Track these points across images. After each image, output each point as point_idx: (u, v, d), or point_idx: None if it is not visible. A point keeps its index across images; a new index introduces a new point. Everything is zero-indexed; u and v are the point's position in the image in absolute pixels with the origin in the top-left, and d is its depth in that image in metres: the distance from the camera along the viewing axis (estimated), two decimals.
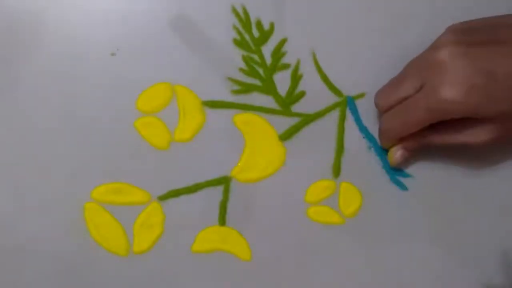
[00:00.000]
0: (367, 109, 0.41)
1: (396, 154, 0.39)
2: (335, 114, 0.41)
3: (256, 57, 0.41)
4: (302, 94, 0.41)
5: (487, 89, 0.35)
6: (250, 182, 0.39)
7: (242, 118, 0.40)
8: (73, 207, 0.38)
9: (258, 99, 0.41)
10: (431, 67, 0.36)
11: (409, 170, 0.40)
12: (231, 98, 0.40)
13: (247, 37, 0.41)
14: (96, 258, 0.38)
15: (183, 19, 0.41)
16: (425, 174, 0.40)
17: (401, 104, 0.37)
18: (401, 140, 0.38)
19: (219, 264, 0.38)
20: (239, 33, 0.41)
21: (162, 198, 0.39)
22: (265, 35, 0.41)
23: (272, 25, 0.41)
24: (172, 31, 0.41)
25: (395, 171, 0.40)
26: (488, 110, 0.35)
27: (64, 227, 0.38)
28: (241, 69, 0.41)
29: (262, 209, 0.39)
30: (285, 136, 0.40)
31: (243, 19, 0.41)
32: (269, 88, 0.41)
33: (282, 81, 0.41)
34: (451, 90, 0.35)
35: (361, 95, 0.41)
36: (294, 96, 0.41)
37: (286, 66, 0.41)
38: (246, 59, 0.41)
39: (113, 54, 0.40)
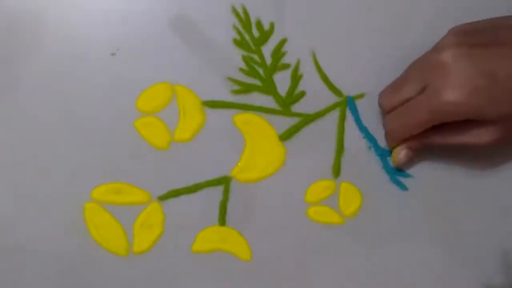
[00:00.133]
0: (367, 109, 0.41)
1: (400, 153, 0.39)
2: (335, 114, 0.41)
3: (256, 57, 0.41)
4: (302, 94, 0.41)
5: (489, 91, 0.35)
6: (250, 182, 0.39)
7: (242, 118, 0.40)
8: (73, 207, 0.38)
9: (258, 99, 0.41)
10: (433, 69, 0.36)
11: (409, 170, 0.40)
12: (231, 98, 0.40)
13: (247, 37, 0.41)
14: (96, 258, 0.38)
15: (183, 19, 0.41)
16: (425, 174, 0.40)
17: (404, 106, 0.38)
18: (405, 140, 0.39)
19: (219, 264, 0.38)
20: (239, 33, 0.41)
21: (162, 198, 0.39)
22: (265, 35, 0.41)
23: (272, 25, 0.41)
24: (172, 31, 0.41)
25: (395, 171, 0.40)
26: (490, 112, 0.35)
27: (64, 227, 0.38)
28: (241, 69, 0.41)
29: (262, 209, 0.39)
30: (285, 136, 0.40)
31: (243, 19, 0.41)
32: (269, 88, 0.41)
33: (282, 81, 0.41)
34: (453, 92, 0.35)
35: (361, 95, 0.41)
36: (294, 96, 0.41)
37: (286, 66, 0.41)
38: (246, 59, 0.41)
39: (113, 54, 0.40)
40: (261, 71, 0.41)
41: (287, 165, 0.40)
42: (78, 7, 0.41)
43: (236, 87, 0.41)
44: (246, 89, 0.41)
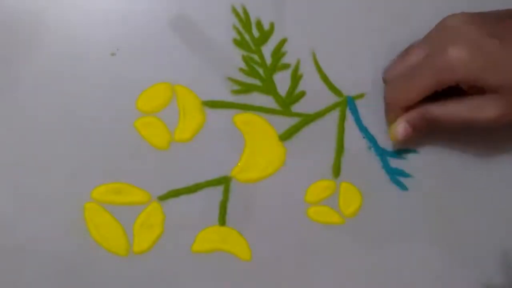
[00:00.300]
0: (367, 109, 0.41)
1: (398, 127, 0.37)
2: (335, 114, 0.41)
3: (256, 57, 0.41)
4: (302, 94, 0.41)
5: (495, 54, 0.34)
6: (250, 182, 0.39)
7: (242, 118, 0.40)
8: (73, 207, 0.38)
9: (258, 99, 0.41)
10: (438, 33, 0.36)
11: (409, 170, 0.40)
12: (231, 98, 0.40)
13: (247, 37, 0.41)
14: (96, 258, 0.38)
15: (183, 19, 0.41)
16: (425, 174, 0.40)
17: (406, 70, 0.37)
18: (405, 111, 0.37)
19: (219, 264, 0.38)
20: (239, 33, 0.41)
21: (162, 198, 0.39)
22: (265, 35, 0.41)
23: (272, 25, 0.41)
24: (172, 31, 0.41)
25: (395, 171, 0.40)
26: (494, 77, 0.34)
27: (64, 227, 0.38)
28: (241, 69, 0.41)
29: (262, 209, 0.39)
30: (285, 136, 0.40)
31: (243, 19, 0.41)
32: (269, 88, 0.41)
33: (282, 81, 0.41)
34: (457, 49, 0.34)
35: (361, 95, 0.41)
36: (294, 96, 0.41)
37: (286, 66, 0.41)
38: (246, 59, 0.41)
39: (113, 54, 0.40)
40: (261, 71, 0.41)
41: (287, 165, 0.40)
42: (78, 7, 0.41)
43: (236, 87, 0.41)
44: (246, 89, 0.41)
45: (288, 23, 0.41)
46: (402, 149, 0.40)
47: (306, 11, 0.42)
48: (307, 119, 0.40)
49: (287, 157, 0.40)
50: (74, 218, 0.38)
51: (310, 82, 0.41)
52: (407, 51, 0.38)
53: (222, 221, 0.39)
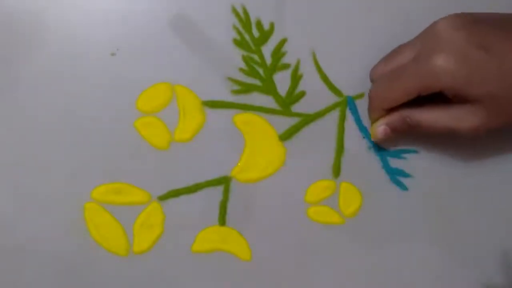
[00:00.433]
0: (367, 109, 0.41)
1: (378, 129, 0.38)
2: (335, 114, 0.41)
3: (256, 57, 0.41)
4: (302, 94, 0.41)
5: (480, 64, 0.34)
6: (250, 182, 0.39)
7: (242, 118, 0.40)
8: (73, 207, 0.38)
9: (258, 99, 0.41)
10: (427, 38, 0.36)
11: (409, 170, 0.40)
12: (231, 98, 0.40)
13: (247, 37, 0.41)
14: (96, 258, 0.38)
15: (183, 19, 0.41)
16: (425, 174, 0.40)
17: (391, 71, 0.37)
18: (387, 112, 0.38)
19: (219, 264, 0.38)
20: (239, 33, 0.41)
21: (162, 198, 0.39)
22: (265, 35, 0.41)
23: (272, 25, 0.41)
24: (172, 31, 0.41)
25: (395, 171, 0.40)
26: (477, 88, 0.34)
27: (64, 227, 0.38)
28: (241, 69, 0.41)
29: (262, 209, 0.39)
30: (285, 136, 0.40)
31: (243, 19, 0.41)
32: (269, 88, 0.41)
33: (282, 81, 0.41)
34: (443, 57, 0.34)
35: (361, 95, 0.41)
36: (294, 96, 0.41)
37: (286, 66, 0.41)
38: (246, 59, 0.41)
39: (113, 54, 0.40)
40: (261, 71, 0.41)
41: (287, 165, 0.40)
42: (78, 7, 0.41)
43: (236, 87, 0.41)
44: (246, 89, 0.41)
45: (288, 23, 0.41)
46: (402, 149, 0.40)
47: (306, 11, 0.42)
48: (307, 119, 0.40)
49: (287, 157, 0.40)
50: (74, 218, 0.38)
51: (310, 82, 0.41)
52: (395, 52, 0.39)
53: (222, 221, 0.39)
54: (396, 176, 0.40)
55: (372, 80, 0.39)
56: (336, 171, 0.40)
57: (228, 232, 0.39)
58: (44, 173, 0.39)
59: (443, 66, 0.34)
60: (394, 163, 0.40)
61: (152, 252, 0.38)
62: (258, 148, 0.40)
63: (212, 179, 0.39)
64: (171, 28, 0.41)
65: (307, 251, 0.39)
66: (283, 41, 0.41)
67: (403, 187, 0.40)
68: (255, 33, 0.41)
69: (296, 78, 0.41)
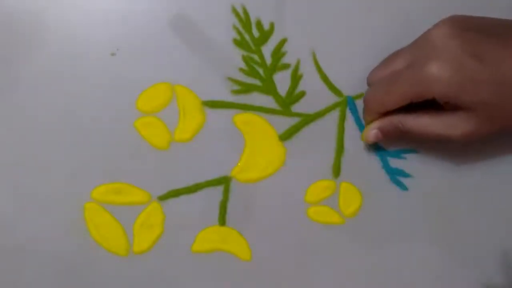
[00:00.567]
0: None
1: (370, 132, 0.39)
2: (335, 114, 0.41)
3: (256, 57, 0.41)
4: (302, 94, 0.41)
5: (473, 73, 0.34)
6: (250, 182, 0.39)
7: (242, 118, 0.40)
8: (73, 207, 0.38)
9: (258, 99, 0.41)
10: (423, 45, 0.36)
11: (409, 170, 0.40)
12: (231, 98, 0.40)
13: (247, 37, 0.41)
14: (96, 258, 0.38)
15: (183, 19, 0.41)
16: (425, 174, 0.40)
17: (387, 76, 0.37)
18: (380, 116, 0.38)
19: (219, 264, 0.38)
20: (239, 33, 0.41)
21: (162, 198, 0.39)
22: (265, 35, 0.41)
23: (272, 25, 0.41)
24: (172, 31, 0.41)
25: (395, 171, 0.40)
26: (469, 96, 0.35)
27: (64, 227, 0.38)
28: (241, 69, 0.41)
29: (262, 209, 0.39)
30: (285, 136, 0.40)
31: (243, 19, 0.41)
32: (269, 88, 0.41)
33: (282, 81, 0.41)
34: (438, 65, 0.35)
35: (361, 95, 0.41)
36: (294, 96, 0.41)
37: (286, 66, 0.41)
38: (246, 59, 0.41)
39: (113, 54, 0.40)
40: (261, 71, 0.41)
41: (287, 165, 0.40)
42: (78, 7, 0.41)
43: (236, 87, 0.41)
44: (246, 89, 0.41)
45: (288, 23, 0.41)
46: (402, 149, 0.40)
47: (306, 11, 0.42)
48: (307, 119, 0.40)
49: (287, 157, 0.40)
50: (74, 218, 0.38)
51: (310, 82, 0.41)
52: (392, 57, 0.39)
53: (222, 221, 0.39)
54: (396, 176, 0.40)
55: (369, 84, 0.40)
56: (336, 171, 0.40)
57: (228, 232, 0.39)
58: (44, 173, 0.39)
59: (437, 74, 0.35)
60: (394, 163, 0.40)
61: (152, 252, 0.38)
62: (258, 148, 0.40)
63: (212, 179, 0.39)
64: (171, 28, 0.41)
65: (307, 251, 0.39)
66: (283, 41, 0.41)
67: (403, 187, 0.40)
68: (255, 33, 0.41)
69: (296, 78, 0.41)
